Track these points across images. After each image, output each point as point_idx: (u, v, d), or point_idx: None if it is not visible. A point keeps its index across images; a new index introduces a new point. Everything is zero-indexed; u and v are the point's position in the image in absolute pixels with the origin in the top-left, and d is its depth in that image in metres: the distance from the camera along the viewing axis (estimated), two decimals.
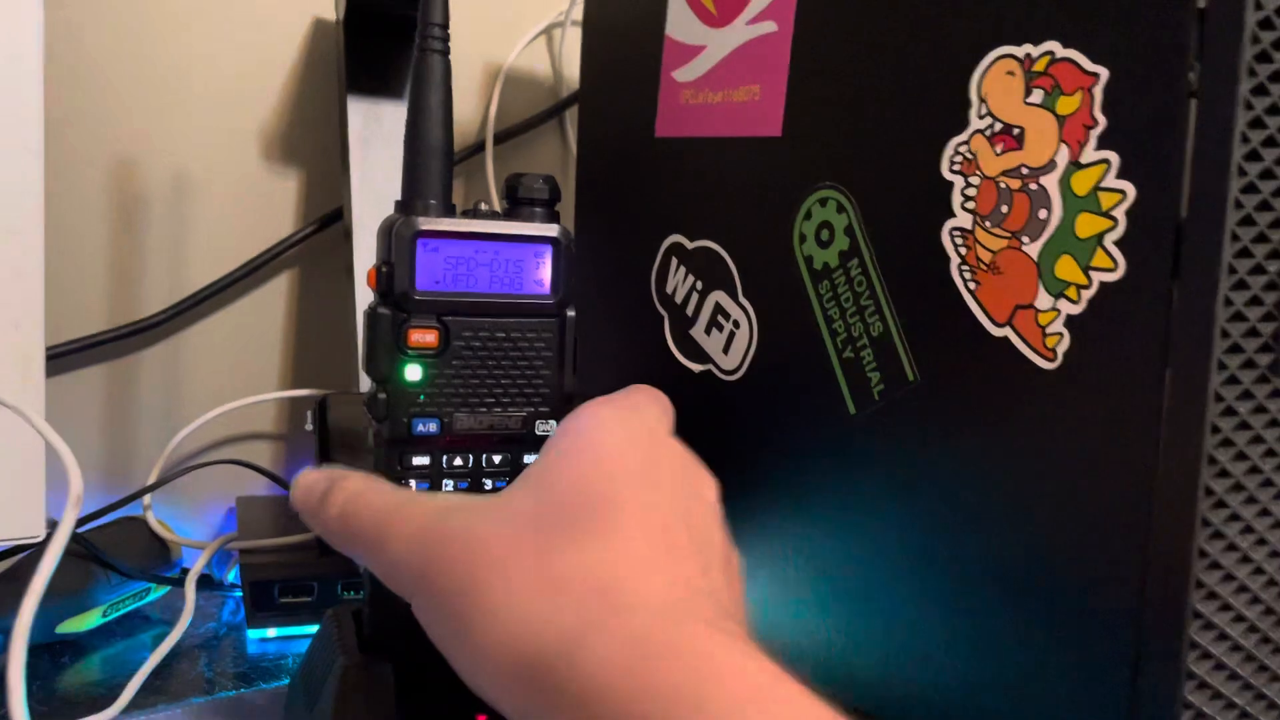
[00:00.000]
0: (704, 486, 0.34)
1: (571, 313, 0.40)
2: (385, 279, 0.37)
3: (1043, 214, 0.35)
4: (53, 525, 0.47)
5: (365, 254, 0.66)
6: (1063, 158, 0.34)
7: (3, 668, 0.36)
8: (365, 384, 0.42)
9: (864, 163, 0.42)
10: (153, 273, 0.70)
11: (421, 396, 0.38)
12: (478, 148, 0.78)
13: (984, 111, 0.37)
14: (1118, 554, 0.33)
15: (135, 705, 0.46)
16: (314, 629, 0.55)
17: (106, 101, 0.68)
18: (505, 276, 0.38)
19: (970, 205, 0.37)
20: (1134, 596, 0.33)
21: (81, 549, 0.53)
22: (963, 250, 0.38)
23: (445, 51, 0.39)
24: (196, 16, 0.70)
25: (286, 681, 0.50)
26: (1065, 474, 0.35)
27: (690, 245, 0.51)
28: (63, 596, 0.50)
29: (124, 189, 0.69)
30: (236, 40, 0.71)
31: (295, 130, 0.73)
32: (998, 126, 0.36)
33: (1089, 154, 0.34)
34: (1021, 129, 0.36)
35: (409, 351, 0.37)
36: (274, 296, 0.74)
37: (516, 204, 0.40)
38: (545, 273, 0.39)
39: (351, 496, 0.33)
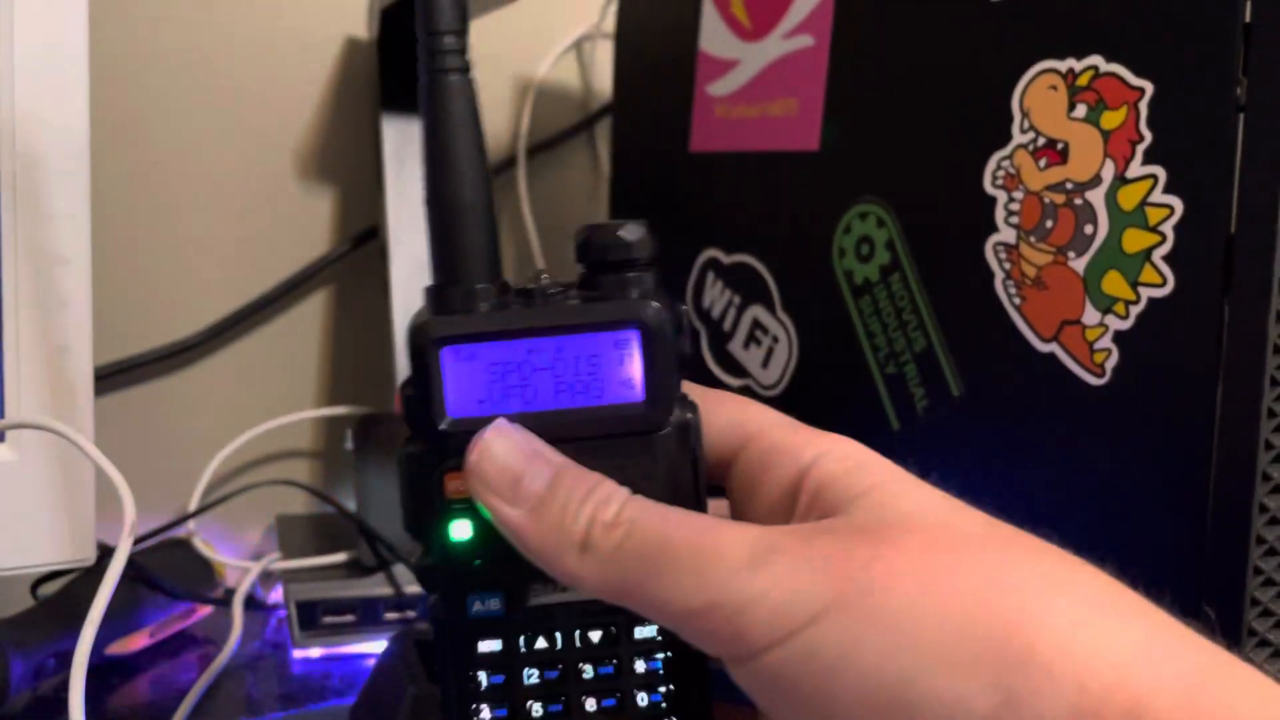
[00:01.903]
0: None
1: (690, 417, 0.28)
2: (411, 406, 0.27)
3: (1089, 229, 0.35)
4: (102, 548, 0.47)
5: (401, 271, 0.67)
6: (1108, 172, 0.34)
7: (59, 689, 0.37)
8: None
9: (904, 177, 0.42)
10: (189, 295, 0.70)
11: (477, 562, 0.28)
12: (508, 163, 0.78)
13: (1027, 126, 0.37)
14: (1170, 574, 0.33)
15: None
16: (357, 647, 0.56)
17: (141, 123, 0.68)
18: (576, 382, 0.28)
19: (1014, 220, 0.37)
20: (1187, 616, 0.32)
21: (130, 570, 0.53)
22: (1007, 265, 0.37)
23: (465, 69, 0.27)
24: (231, 36, 0.70)
25: (333, 703, 0.50)
26: (1115, 493, 0.34)
27: (727, 260, 0.51)
28: (112, 618, 0.51)
29: (158, 208, 0.69)
30: (270, 60, 0.71)
31: (330, 149, 0.73)
32: (1041, 141, 0.36)
33: (1135, 169, 0.34)
34: (1066, 143, 0.36)
35: (451, 503, 0.27)
36: (310, 315, 0.74)
37: (595, 269, 0.28)
38: (633, 369, 0.27)
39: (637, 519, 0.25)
